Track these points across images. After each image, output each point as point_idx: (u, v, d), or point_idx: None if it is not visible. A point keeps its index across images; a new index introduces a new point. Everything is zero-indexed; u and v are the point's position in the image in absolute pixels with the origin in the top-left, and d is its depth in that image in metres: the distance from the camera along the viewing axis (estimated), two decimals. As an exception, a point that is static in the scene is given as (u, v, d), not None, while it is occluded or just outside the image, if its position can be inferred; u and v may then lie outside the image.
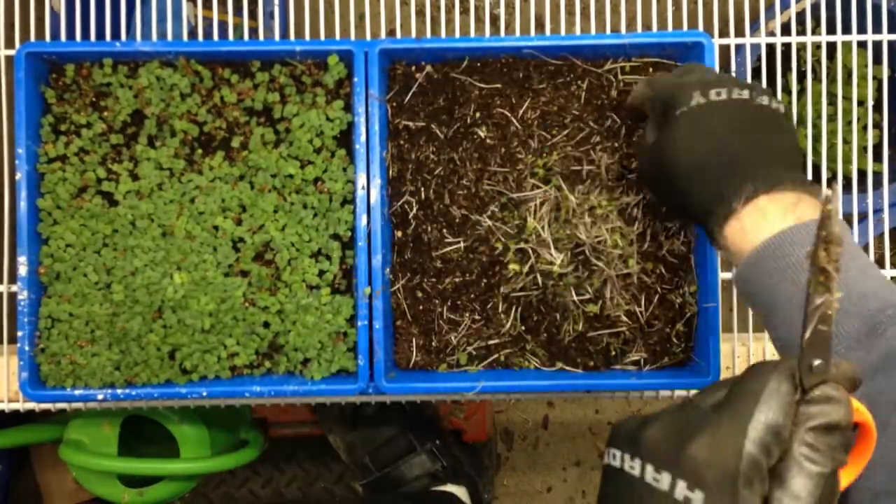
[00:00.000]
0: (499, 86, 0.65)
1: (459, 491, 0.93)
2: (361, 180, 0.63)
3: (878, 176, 0.97)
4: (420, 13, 1.17)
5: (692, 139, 0.51)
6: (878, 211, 0.96)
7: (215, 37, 0.95)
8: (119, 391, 0.65)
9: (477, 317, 0.66)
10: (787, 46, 0.94)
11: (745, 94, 0.52)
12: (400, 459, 0.93)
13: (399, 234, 0.66)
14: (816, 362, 0.36)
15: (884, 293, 0.46)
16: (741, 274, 0.49)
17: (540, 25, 1.11)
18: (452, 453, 0.97)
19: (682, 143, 0.52)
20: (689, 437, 0.34)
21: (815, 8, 0.87)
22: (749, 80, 0.55)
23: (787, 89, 0.97)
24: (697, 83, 0.53)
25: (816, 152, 0.85)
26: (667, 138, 0.53)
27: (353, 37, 0.71)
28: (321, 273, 0.65)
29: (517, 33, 0.77)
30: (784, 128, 0.53)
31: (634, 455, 0.36)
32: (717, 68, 0.63)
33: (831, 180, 0.93)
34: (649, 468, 0.35)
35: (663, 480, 0.34)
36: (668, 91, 0.54)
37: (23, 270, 0.64)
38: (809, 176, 0.73)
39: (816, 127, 0.78)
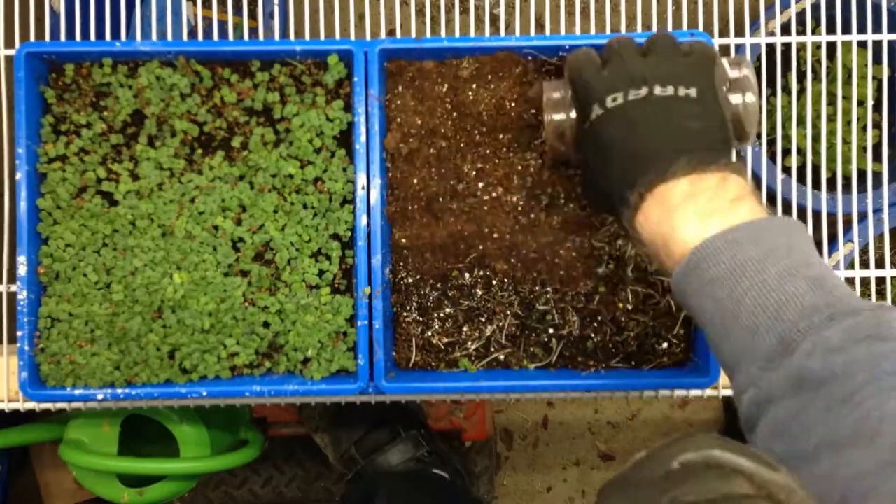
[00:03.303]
0: (498, 85, 0.65)
1: (446, 476, 0.93)
2: (361, 180, 0.63)
3: (877, 176, 0.97)
4: (420, 13, 1.17)
5: (644, 119, 0.51)
6: (877, 211, 0.96)
7: (215, 37, 0.95)
8: (119, 391, 0.65)
9: (477, 316, 0.66)
10: (787, 46, 0.94)
11: (643, 91, 0.51)
12: (385, 446, 0.93)
13: (399, 233, 0.66)
14: None
15: (804, 299, 0.42)
16: (673, 287, 0.49)
17: (540, 25, 1.11)
18: (436, 443, 0.98)
19: (593, 142, 0.53)
20: None
21: (815, 8, 0.87)
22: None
23: (786, 89, 0.97)
24: (604, 88, 0.52)
25: (816, 152, 0.85)
26: (582, 137, 0.54)
27: (352, 37, 0.71)
28: (321, 273, 0.65)
29: (517, 33, 0.77)
30: (693, 112, 0.51)
31: None
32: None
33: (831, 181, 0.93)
34: None
35: None
36: (582, 91, 0.54)
37: (22, 270, 0.64)
38: (809, 176, 0.73)
39: (816, 127, 0.78)
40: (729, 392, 0.72)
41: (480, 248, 0.65)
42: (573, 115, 0.57)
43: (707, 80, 0.53)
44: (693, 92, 0.51)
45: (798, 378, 0.40)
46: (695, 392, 0.70)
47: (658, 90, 0.51)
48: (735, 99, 0.56)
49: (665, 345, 0.66)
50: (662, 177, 0.48)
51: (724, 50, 0.77)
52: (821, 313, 0.41)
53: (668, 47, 0.54)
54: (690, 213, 0.47)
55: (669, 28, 0.72)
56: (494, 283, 0.65)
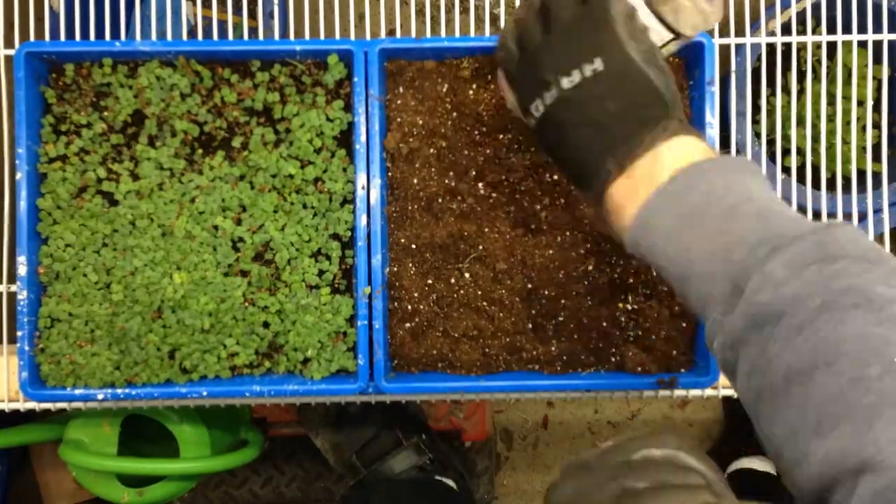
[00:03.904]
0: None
1: (449, 482, 0.93)
2: (361, 180, 0.63)
3: (877, 176, 0.97)
4: (420, 13, 1.17)
5: (566, 123, 0.48)
6: (877, 211, 0.96)
7: (215, 36, 0.95)
8: (119, 391, 0.65)
9: (477, 315, 0.66)
10: (787, 46, 0.94)
11: (554, 92, 0.47)
12: (387, 455, 0.93)
13: (399, 233, 0.66)
14: None
15: (750, 236, 0.42)
16: (630, 251, 0.47)
17: (540, 25, 1.11)
18: (439, 448, 0.98)
19: (558, 126, 0.49)
20: None
21: (816, 7, 0.87)
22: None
23: (786, 89, 0.97)
24: (524, 97, 0.49)
25: (816, 152, 0.85)
26: (543, 123, 0.50)
27: (352, 37, 0.71)
28: (321, 273, 0.65)
29: (517, 33, 0.76)
30: (606, 92, 0.47)
31: None
32: (716, 69, 0.63)
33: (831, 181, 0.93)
34: None
35: None
36: (514, 96, 0.51)
37: (22, 270, 0.64)
38: (809, 176, 0.73)
39: (816, 127, 0.78)
40: (729, 392, 0.72)
41: (480, 248, 0.65)
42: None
43: (607, 34, 0.47)
44: (599, 64, 0.47)
45: (754, 316, 0.40)
46: (695, 392, 0.70)
47: (566, 83, 0.47)
48: (659, 32, 0.50)
49: (665, 345, 0.65)
50: (602, 188, 0.47)
51: (725, 50, 0.77)
52: (765, 247, 0.41)
53: (565, 12, 0.49)
54: (631, 206, 0.46)
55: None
56: (494, 283, 0.65)
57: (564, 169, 0.51)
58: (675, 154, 0.46)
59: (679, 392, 0.71)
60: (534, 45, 0.49)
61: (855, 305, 0.37)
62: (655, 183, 0.45)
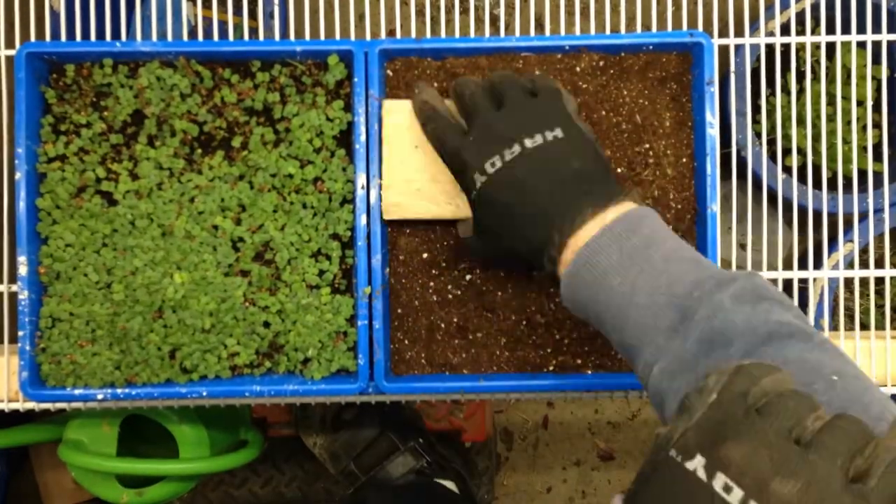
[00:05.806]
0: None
1: (448, 484, 0.93)
2: (361, 180, 0.63)
3: (878, 176, 0.97)
4: (420, 13, 1.17)
5: (494, 204, 0.54)
6: (878, 211, 0.96)
7: (215, 37, 0.95)
8: (119, 391, 0.65)
9: (477, 316, 0.66)
10: (786, 46, 0.94)
11: (516, 149, 0.53)
12: (384, 460, 0.93)
13: (399, 233, 0.66)
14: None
15: (689, 276, 0.46)
16: (563, 294, 0.51)
17: (540, 25, 1.11)
18: (436, 450, 0.98)
19: (488, 208, 0.54)
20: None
21: (815, 8, 0.87)
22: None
23: (786, 89, 0.97)
24: (477, 156, 0.54)
25: (816, 152, 0.85)
26: (473, 204, 0.56)
27: (353, 37, 0.71)
28: (321, 273, 0.65)
29: (517, 33, 0.77)
30: (568, 152, 0.53)
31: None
32: (715, 69, 0.63)
33: (831, 181, 0.93)
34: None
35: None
36: (454, 160, 0.57)
37: (23, 270, 0.64)
38: (810, 176, 0.73)
39: (816, 127, 0.78)
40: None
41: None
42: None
43: (563, 113, 0.55)
44: (559, 132, 0.53)
45: (703, 341, 0.43)
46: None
47: (528, 143, 0.53)
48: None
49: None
50: (571, 233, 0.50)
51: (724, 50, 0.77)
52: (710, 282, 0.45)
53: (517, 93, 0.56)
54: (569, 253, 0.51)
55: (669, 28, 0.72)
56: (496, 284, 0.65)
57: (508, 230, 0.54)
58: (618, 210, 0.51)
59: (679, 392, 0.71)
60: (486, 109, 0.55)
61: (790, 335, 0.42)
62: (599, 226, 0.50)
